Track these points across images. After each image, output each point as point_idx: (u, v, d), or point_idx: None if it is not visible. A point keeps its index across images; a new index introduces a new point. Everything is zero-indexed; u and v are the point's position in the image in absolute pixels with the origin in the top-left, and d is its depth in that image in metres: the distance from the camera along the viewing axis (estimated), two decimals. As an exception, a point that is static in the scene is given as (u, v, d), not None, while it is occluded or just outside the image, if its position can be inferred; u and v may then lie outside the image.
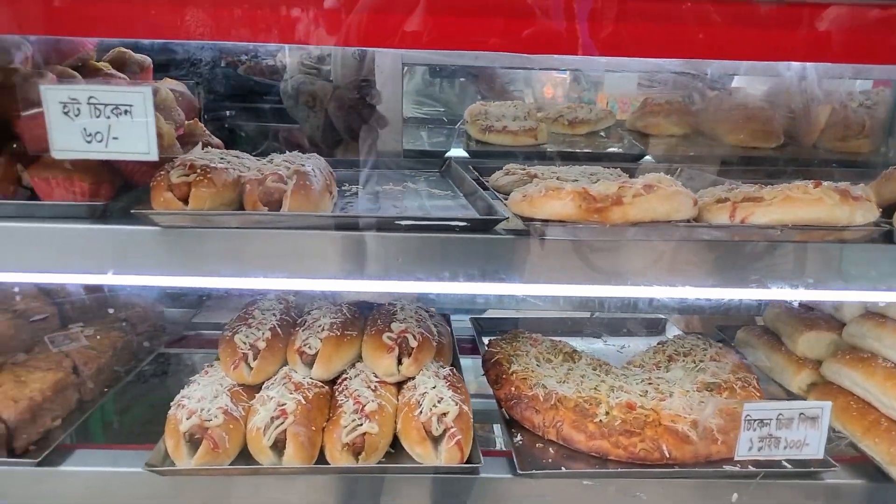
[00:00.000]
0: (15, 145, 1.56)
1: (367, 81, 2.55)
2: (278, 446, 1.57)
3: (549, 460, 1.65)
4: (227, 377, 1.78)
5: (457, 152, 2.72)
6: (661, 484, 1.55)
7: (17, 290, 1.95)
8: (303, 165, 1.53)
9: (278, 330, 1.88)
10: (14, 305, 1.97)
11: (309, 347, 1.81)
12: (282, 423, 1.58)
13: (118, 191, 1.58)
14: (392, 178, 2.10)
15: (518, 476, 1.57)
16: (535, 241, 1.34)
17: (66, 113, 1.15)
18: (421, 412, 1.62)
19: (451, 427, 1.60)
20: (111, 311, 2.23)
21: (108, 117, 1.16)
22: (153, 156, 1.21)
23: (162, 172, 1.42)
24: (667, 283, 1.28)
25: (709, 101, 3.05)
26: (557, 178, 1.75)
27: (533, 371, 1.90)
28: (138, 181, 1.62)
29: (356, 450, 1.57)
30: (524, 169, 1.91)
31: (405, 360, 1.78)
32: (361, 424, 1.59)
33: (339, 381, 1.81)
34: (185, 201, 1.40)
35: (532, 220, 1.37)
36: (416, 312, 2.00)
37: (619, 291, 1.33)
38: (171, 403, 1.68)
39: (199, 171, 1.41)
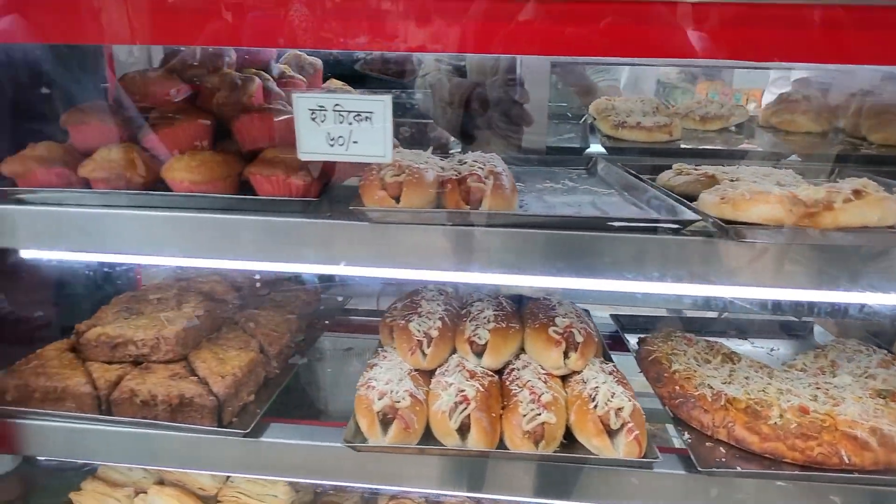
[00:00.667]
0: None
1: (514, 79, 2.61)
2: (462, 430, 1.67)
3: (722, 459, 1.68)
4: (404, 362, 1.89)
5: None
6: (846, 490, 1.55)
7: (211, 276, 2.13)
8: (495, 166, 1.61)
9: (446, 320, 1.98)
10: (215, 291, 2.17)
11: (479, 338, 1.90)
12: (465, 408, 1.68)
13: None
14: (545, 176, 2.16)
15: (695, 473, 1.61)
16: (734, 244, 1.37)
17: (313, 119, 1.28)
18: (596, 406, 1.69)
19: (629, 422, 1.65)
20: (279, 297, 2.41)
21: (351, 123, 1.28)
22: (388, 158, 1.32)
23: (373, 172, 1.54)
24: (881, 289, 1.29)
25: (850, 97, 2.94)
26: (736, 180, 1.76)
27: (695, 371, 1.92)
28: (332, 179, 1.75)
29: (536, 438, 1.65)
30: (696, 169, 1.92)
31: (572, 355, 1.85)
32: (540, 414, 1.66)
33: (507, 370, 1.89)
34: (397, 199, 1.50)
35: (734, 222, 1.40)
36: (573, 308, 2.06)
37: (829, 296, 1.35)
38: (358, 385, 1.81)
39: (406, 171, 1.52)
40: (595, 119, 3.27)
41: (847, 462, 1.60)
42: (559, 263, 1.41)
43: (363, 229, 1.50)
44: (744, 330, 2.53)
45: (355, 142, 1.30)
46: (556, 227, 1.42)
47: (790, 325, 2.57)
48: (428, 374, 1.90)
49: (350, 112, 1.28)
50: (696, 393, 1.82)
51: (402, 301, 2.25)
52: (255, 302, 2.34)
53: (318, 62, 2.28)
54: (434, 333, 1.92)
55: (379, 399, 1.71)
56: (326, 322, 2.50)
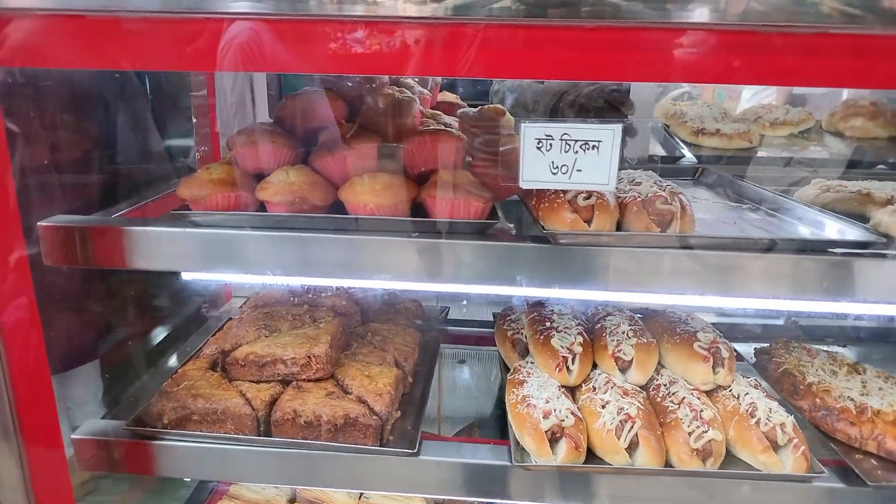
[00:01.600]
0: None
1: (619, 90, 2.62)
2: (628, 448, 1.71)
3: (878, 472, 1.74)
4: (550, 378, 1.92)
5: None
6: None
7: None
8: (672, 185, 1.64)
9: (585, 335, 2.01)
10: (337, 306, 2.17)
11: (624, 354, 1.94)
12: (632, 427, 1.72)
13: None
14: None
15: (862, 487, 1.66)
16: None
17: (538, 147, 1.29)
18: (758, 421, 1.73)
19: (794, 437, 1.70)
20: (391, 310, 2.42)
21: (577, 152, 1.29)
22: (611, 186, 1.34)
23: (560, 194, 1.56)
24: None
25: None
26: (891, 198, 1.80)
27: (830, 383, 1.98)
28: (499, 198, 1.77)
29: (705, 455, 1.69)
30: (845, 185, 1.96)
31: (720, 370, 1.89)
32: (707, 432, 1.71)
33: (653, 386, 1.93)
34: (588, 222, 1.53)
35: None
36: (703, 321, 2.10)
37: None
38: (512, 401, 1.84)
39: (595, 194, 1.54)
40: (667, 125, 3.31)
41: None
42: (761, 285, 1.45)
43: (549, 251, 1.52)
44: (838, 336, 2.60)
45: (579, 170, 1.31)
46: (757, 249, 1.46)
47: (879, 329, 2.65)
48: (570, 390, 1.93)
49: (577, 141, 1.30)
50: (839, 405, 1.88)
51: (522, 313, 2.28)
52: (372, 316, 2.35)
53: (438, 77, 2.28)
54: (578, 350, 1.95)
55: (545, 418, 1.73)
56: (433, 334, 2.52)
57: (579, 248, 1.51)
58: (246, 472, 1.77)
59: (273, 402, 1.83)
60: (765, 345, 2.30)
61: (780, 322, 2.63)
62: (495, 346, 2.45)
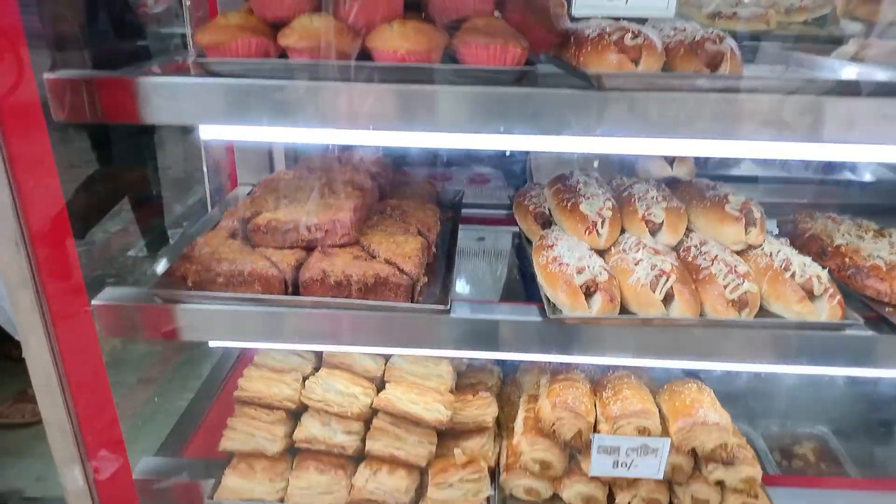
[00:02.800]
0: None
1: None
2: (665, 301, 1.70)
3: (906, 322, 1.75)
4: (579, 242, 1.89)
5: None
6: None
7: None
8: (716, 30, 1.57)
9: (613, 201, 1.98)
10: (354, 181, 2.11)
11: (654, 216, 1.91)
12: (667, 280, 1.70)
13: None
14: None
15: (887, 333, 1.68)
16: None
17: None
18: (793, 274, 1.72)
19: (829, 287, 1.70)
20: (408, 189, 2.36)
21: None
22: (670, 12, 1.27)
23: (605, 36, 1.48)
24: None
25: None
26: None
27: (858, 245, 1.97)
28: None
29: (740, 306, 1.69)
30: (884, 43, 1.89)
31: (752, 230, 1.87)
32: (742, 283, 1.70)
33: (683, 248, 1.91)
34: (634, 63, 1.46)
35: None
36: (730, 188, 2.07)
37: None
38: (542, 263, 1.81)
39: (642, 34, 1.46)
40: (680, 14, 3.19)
41: None
42: (828, 128, 1.39)
43: (595, 97, 1.45)
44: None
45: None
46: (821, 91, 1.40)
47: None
48: (599, 254, 1.90)
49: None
50: (868, 264, 1.88)
51: (542, 189, 2.24)
52: (388, 195, 2.29)
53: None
54: (607, 214, 1.91)
55: (578, 274, 1.71)
56: (450, 213, 2.47)
57: (627, 93, 1.44)
58: (277, 333, 1.74)
59: (299, 267, 1.79)
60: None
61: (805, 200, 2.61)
62: (511, 226, 2.43)
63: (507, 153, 3.12)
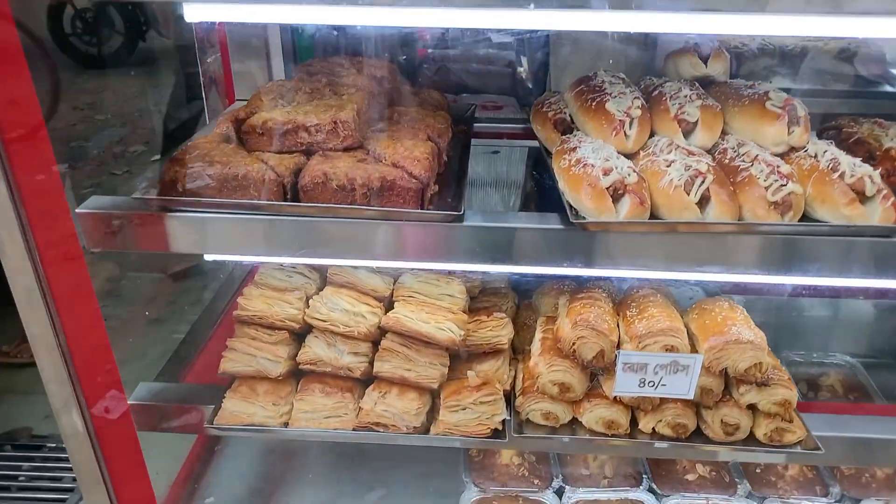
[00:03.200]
0: None
1: None
2: (700, 205, 1.54)
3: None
4: (605, 144, 1.72)
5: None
6: None
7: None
8: None
9: (642, 100, 1.80)
10: (359, 84, 1.93)
11: (688, 115, 1.74)
12: (703, 181, 1.54)
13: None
14: None
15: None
16: None
17: None
18: (841, 174, 1.56)
19: (883, 188, 1.53)
20: (416, 99, 2.18)
21: None
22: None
23: None
24: None
25: None
26: None
27: (908, 148, 1.80)
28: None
29: (784, 209, 1.53)
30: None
31: (795, 129, 1.70)
32: (786, 185, 1.53)
33: (719, 150, 1.74)
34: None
35: None
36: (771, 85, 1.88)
37: None
38: (564, 166, 1.65)
39: None
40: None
41: None
42: None
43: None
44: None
45: None
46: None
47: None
48: (627, 158, 1.74)
49: None
50: (925, 167, 1.71)
51: (563, 95, 2.07)
52: (398, 101, 2.12)
53: None
54: (636, 113, 1.74)
55: (605, 175, 1.55)
56: (462, 126, 2.30)
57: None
58: (274, 244, 1.59)
59: (298, 172, 1.64)
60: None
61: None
62: (528, 140, 2.26)
63: (523, 72, 2.91)
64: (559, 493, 2.30)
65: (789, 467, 2.39)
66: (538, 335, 1.92)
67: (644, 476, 2.36)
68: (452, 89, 3.05)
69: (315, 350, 1.83)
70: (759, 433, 1.73)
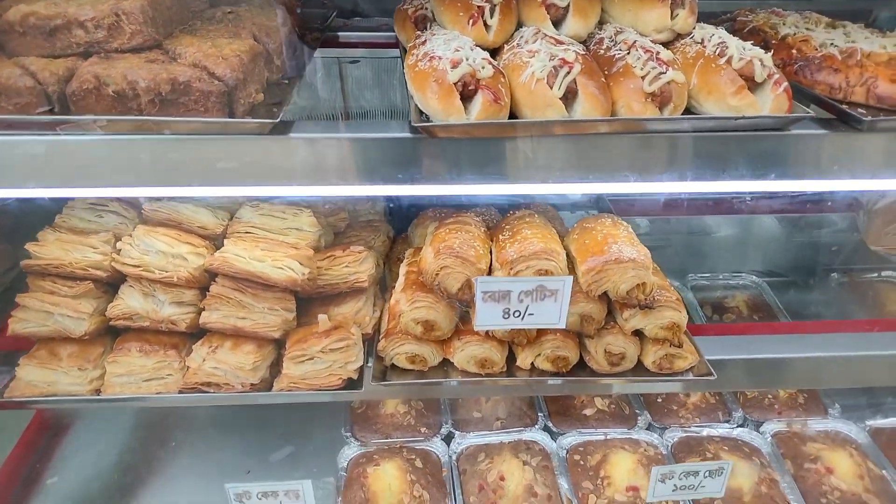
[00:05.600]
0: None
1: None
2: (564, 98, 1.28)
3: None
4: (462, 36, 1.43)
5: None
6: None
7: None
8: None
9: (506, -14, 1.51)
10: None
11: (558, 0, 1.46)
12: (568, 72, 1.28)
13: None
14: None
15: (857, 132, 1.32)
16: None
17: None
18: (729, 59, 1.33)
19: (774, 72, 1.31)
20: None
21: None
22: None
23: None
24: None
25: None
26: None
27: (808, 34, 1.59)
28: None
29: (663, 101, 1.29)
30: None
31: (680, 13, 1.46)
32: (665, 73, 1.29)
33: (594, 42, 1.48)
34: None
35: None
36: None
37: None
38: (411, 62, 1.36)
39: None
40: None
41: None
42: None
43: None
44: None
45: None
46: None
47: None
48: (493, 54, 1.46)
49: None
50: (821, 53, 1.50)
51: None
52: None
53: None
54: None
55: (453, 68, 1.27)
56: (314, 33, 1.95)
57: None
58: (33, 171, 1.25)
59: (70, 78, 1.28)
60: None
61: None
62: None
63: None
64: (448, 439, 2.10)
65: (691, 395, 2.27)
66: (403, 269, 1.67)
67: (540, 414, 2.18)
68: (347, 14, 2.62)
69: (128, 302, 1.52)
70: (648, 361, 1.54)
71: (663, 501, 1.75)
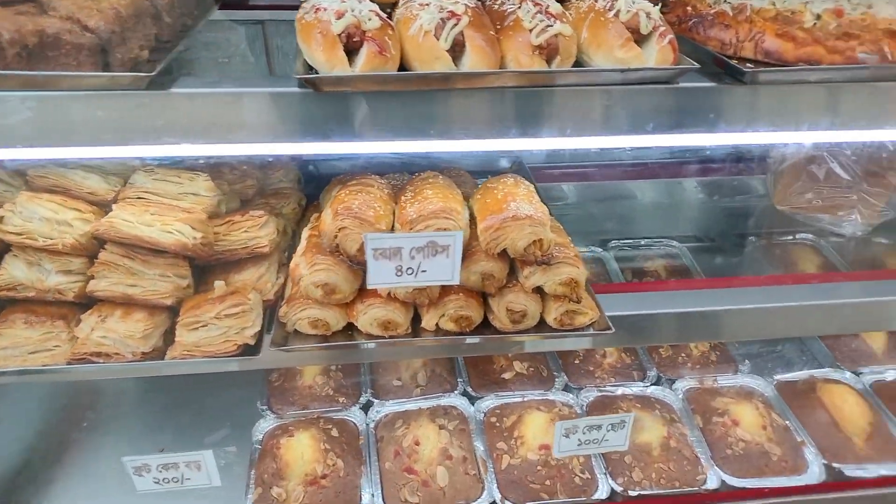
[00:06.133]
0: None
1: None
2: (453, 51, 1.27)
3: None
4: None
5: None
6: None
7: None
8: None
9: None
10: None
11: (447, -49, 1.44)
12: (455, 24, 1.27)
13: None
14: None
15: (742, 84, 1.34)
16: None
17: None
18: (617, 13, 1.33)
19: (661, 25, 1.33)
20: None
21: None
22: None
23: None
24: None
25: None
26: None
27: (704, -9, 1.61)
28: None
29: (550, 53, 1.29)
30: None
31: (574, -36, 1.45)
32: (552, 25, 1.29)
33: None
34: None
35: None
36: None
37: None
38: (300, 15, 1.32)
39: None
40: None
41: (891, 59, 1.40)
42: None
43: None
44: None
45: None
46: None
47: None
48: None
49: None
50: (714, 10, 1.53)
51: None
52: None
53: None
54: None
55: (338, 19, 1.24)
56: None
57: None
58: None
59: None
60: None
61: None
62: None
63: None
64: (367, 408, 2.09)
65: (607, 355, 2.31)
66: (305, 233, 1.63)
67: (460, 380, 2.19)
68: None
69: (12, 272, 1.45)
70: (550, 318, 1.56)
71: (572, 457, 1.79)
